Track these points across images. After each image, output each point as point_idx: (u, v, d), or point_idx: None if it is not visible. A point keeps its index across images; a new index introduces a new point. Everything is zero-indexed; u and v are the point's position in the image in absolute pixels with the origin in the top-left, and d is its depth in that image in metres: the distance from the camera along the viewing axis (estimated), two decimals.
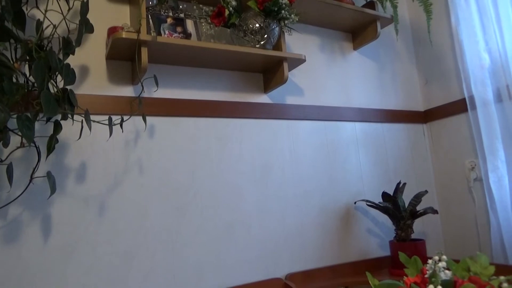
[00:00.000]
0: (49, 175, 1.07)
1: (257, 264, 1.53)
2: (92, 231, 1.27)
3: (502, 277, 0.86)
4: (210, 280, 1.43)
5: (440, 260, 0.90)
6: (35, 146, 1.10)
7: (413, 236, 1.70)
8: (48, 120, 1.13)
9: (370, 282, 0.83)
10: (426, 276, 0.83)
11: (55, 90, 1.12)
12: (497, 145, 1.72)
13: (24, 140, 1.06)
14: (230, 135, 1.58)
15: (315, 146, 1.77)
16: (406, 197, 1.73)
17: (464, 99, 1.85)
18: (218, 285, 1.44)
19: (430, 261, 0.91)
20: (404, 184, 1.74)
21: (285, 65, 1.59)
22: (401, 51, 2.17)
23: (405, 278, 0.84)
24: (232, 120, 1.60)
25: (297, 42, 1.83)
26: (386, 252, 1.84)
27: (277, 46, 1.60)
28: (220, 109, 1.57)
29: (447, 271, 0.89)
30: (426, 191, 1.74)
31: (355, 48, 2.00)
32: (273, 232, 1.59)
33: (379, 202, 1.71)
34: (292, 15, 1.54)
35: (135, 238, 1.33)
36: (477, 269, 0.94)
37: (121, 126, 1.26)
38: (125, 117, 1.32)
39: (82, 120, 1.20)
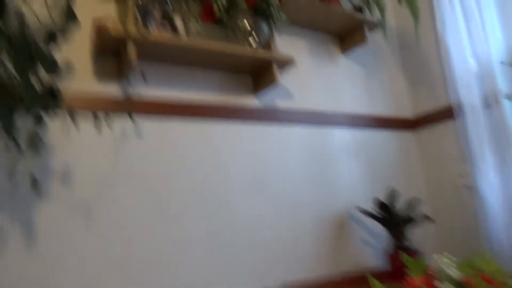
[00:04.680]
0: (32, 176, 0.98)
1: (251, 273, 1.45)
2: (79, 237, 1.17)
3: None
4: (200, 286, 1.35)
5: (444, 258, 0.86)
6: (17, 143, 1.01)
7: (407, 244, 1.66)
8: (28, 109, 1.03)
9: (372, 286, 0.78)
10: (432, 273, 0.79)
11: (39, 84, 1.04)
12: (486, 151, 1.71)
13: (3, 133, 0.97)
14: (220, 139, 1.52)
15: (307, 152, 1.73)
16: (398, 205, 1.70)
17: (452, 105, 1.85)
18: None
19: (435, 258, 0.87)
20: (397, 191, 1.71)
21: (275, 66, 1.55)
22: (387, 56, 2.17)
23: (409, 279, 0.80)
24: (222, 123, 1.54)
25: (285, 45, 1.80)
26: (381, 261, 1.79)
27: (267, 47, 1.57)
28: (209, 111, 1.51)
29: (453, 268, 0.85)
30: (419, 199, 1.71)
31: (343, 52, 1.99)
32: (267, 241, 1.52)
33: (372, 209, 1.67)
34: (281, 13, 1.51)
35: (123, 245, 1.23)
36: (482, 264, 0.90)
37: (107, 123, 1.19)
38: (112, 116, 1.25)
39: (66, 116, 1.12)
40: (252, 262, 1.47)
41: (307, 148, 1.73)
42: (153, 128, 1.38)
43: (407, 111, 2.14)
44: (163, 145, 1.39)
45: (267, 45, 1.57)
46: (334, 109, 1.87)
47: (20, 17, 1.04)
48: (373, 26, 1.91)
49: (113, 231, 1.23)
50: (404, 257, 0.97)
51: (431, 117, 2.05)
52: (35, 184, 0.98)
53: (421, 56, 2.10)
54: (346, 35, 1.97)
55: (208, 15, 1.48)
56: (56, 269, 1.12)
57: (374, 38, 2.08)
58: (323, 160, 1.76)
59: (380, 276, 1.72)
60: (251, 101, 1.64)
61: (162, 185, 1.35)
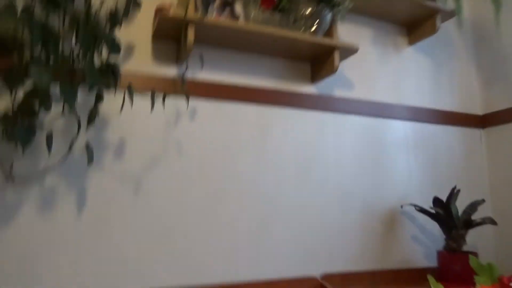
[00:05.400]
0: (87, 145, 1.04)
1: (293, 259, 1.45)
2: (126, 208, 1.23)
3: None
4: (243, 270, 1.36)
5: None
6: (76, 115, 1.08)
7: (464, 247, 1.56)
8: (90, 88, 1.09)
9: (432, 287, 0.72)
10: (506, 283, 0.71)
11: (101, 62, 1.09)
12: None
13: (65, 108, 1.03)
14: (273, 124, 1.51)
15: (362, 143, 1.66)
16: (458, 205, 1.58)
17: None
18: (252, 276, 1.37)
19: None
20: (458, 190, 1.60)
21: (336, 54, 1.49)
22: (459, 48, 2.01)
23: (478, 285, 0.73)
24: (276, 109, 1.52)
25: (348, 33, 1.73)
26: (431, 262, 1.69)
27: (328, 34, 1.52)
28: (264, 96, 1.50)
29: None
30: (483, 200, 1.58)
31: (410, 43, 1.87)
32: (312, 229, 1.50)
33: (430, 207, 1.57)
34: (346, 1, 1.45)
35: (169, 220, 1.28)
36: None
37: (163, 101, 1.22)
38: (167, 97, 1.28)
39: (124, 93, 1.16)
40: (296, 249, 1.46)
41: (362, 138, 1.67)
42: (206, 110, 1.40)
43: (476, 108, 1.98)
44: (215, 127, 1.41)
45: (329, 32, 1.52)
46: (395, 101, 1.77)
47: (87, 1, 1.08)
48: (446, 16, 1.76)
49: (159, 205, 1.28)
50: (474, 261, 0.89)
51: (504, 116, 1.87)
52: (90, 153, 1.03)
53: (499, 50, 1.91)
54: (415, 25, 1.85)
55: (269, 1, 1.45)
56: (102, 233, 1.19)
57: (445, 29, 1.93)
58: (379, 152, 1.69)
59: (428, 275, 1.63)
60: (308, 89, 1.61)
61: (211, 165, 1.38)
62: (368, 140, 1.68)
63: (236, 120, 1.44)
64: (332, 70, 1.50)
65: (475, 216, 1.56)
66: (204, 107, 1.40)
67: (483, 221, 1.50)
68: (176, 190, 1.31)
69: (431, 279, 0.73)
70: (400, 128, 1.76)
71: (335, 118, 1.63)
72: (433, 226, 1.69)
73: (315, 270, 1.48)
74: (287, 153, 1.51)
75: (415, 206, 1.61)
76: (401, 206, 1.68)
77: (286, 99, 1.54)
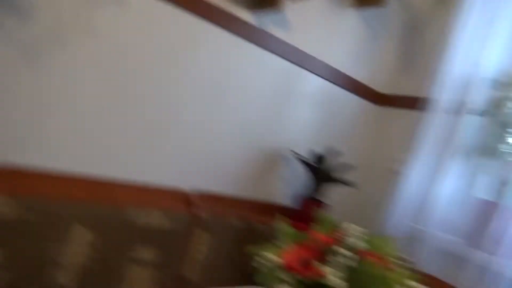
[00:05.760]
0: None
1: (173, 170, 1.53)
2: (20, 81, 1.15)
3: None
4: (124, 167, 1.41)
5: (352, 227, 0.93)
6: None
7: (322, 197, 1.82)
8: None
9: (278, 226, 0.87)
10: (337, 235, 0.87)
11: None
12: (429, 151, 1.84)
13: None
14: (201, 40, 1.48)
15: (276, 84, 1.75)
16: (332, 162, 1.82)
17: (425, 99, 1.90)
18: (129, 175, 1.41)
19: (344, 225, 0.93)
20: (338, 151, 1.82)
21: None
22: (393, 28, 2.14)
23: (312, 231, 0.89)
24: (209, 25, 1.49)
25: None
26: (292, 202, 1.94)
27: None
28: (201, 8, 1.45)
29: (356, 239, 0.91)
30: (354, 166, 1.84)
31: (355, 6, 1.92)
32: (201, 147, 1.58)
33: (306, 158, 1.78)
34: None
35: (61, 103, 1.24)
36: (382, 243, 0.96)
37: None
38: None
39: None
40: (179, 161, 1.54)
41: (278, 81, 1.76)
42: (138, 2, 1.31)
43: (382, 86, 2.18)
44: (140, 23, 1.34)
45: None
46: (318, 56, 1.86)
47: None
48: None
49: (56, 85, 1.23)
50: (318, 212, 1.05)
51: (401, 101, 2.12)
52: None
53: (424, 42, 2.10)
54: None
55: None
56: None
57: (390, 6, 2.01)
58: (287, 98, 1.81)
59: (284, 213, 1.88)
60: (246, 16, 1.59)
61: (123, 61, 1.33)
62: (282, 84, 1.77)
63: (165, 25, 1.39)
64: (277, 5, 1.52)
65: (340, 176, 1.81)
66: None
67: (344, 181, 1.76)
68: (79, 72, 1.25)
69: (279, 216, 0.87)
70: (313, 82, 1.88)
71: (261, 53, 1.66)
72: (305, 174, 1.91)
73: (186, 182, 1.56)
74: (203, 71, 1.52)
75: (295, 153, 1.80)
76: (287, 150, 1.85)
77: (223, 18, 1.51)
